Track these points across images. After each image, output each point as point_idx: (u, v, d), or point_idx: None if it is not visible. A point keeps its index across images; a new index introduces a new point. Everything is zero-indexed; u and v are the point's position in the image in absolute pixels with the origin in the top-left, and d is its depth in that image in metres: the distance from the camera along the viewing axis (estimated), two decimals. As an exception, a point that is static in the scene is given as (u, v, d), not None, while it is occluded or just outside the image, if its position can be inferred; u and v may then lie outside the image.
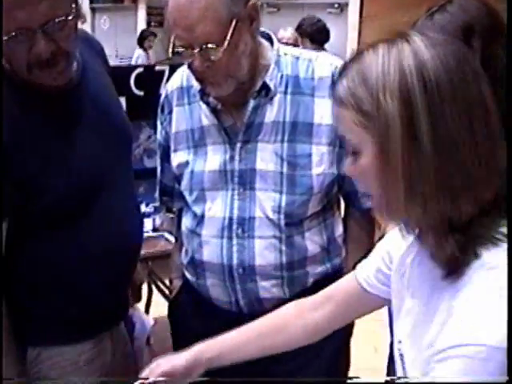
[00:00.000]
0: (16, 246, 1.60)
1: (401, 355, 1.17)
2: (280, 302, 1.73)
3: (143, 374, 1.43)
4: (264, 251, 1.75)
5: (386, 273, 1.31)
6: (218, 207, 1.78)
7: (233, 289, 1.79)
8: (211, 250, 1.79)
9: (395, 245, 1.27)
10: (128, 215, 1.79)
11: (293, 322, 1.46)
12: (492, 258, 1.03)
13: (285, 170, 1.72)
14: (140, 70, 3.54)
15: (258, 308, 1.79)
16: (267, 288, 1.78)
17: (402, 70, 1.01)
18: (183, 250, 1.93)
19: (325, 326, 1.44)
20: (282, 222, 1.74)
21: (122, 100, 1.94)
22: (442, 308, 1.05)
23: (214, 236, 1.78)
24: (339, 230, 1.88)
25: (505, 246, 1.03)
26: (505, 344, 0.95)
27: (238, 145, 1.75)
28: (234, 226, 1.76)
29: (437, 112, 1.00)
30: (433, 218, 1.04)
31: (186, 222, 1.87)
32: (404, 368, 1.14)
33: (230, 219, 1.76)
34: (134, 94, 3.41)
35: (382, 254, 1.33)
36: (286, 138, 1.73)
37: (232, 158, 1.76)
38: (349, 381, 1.04)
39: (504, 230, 1.04)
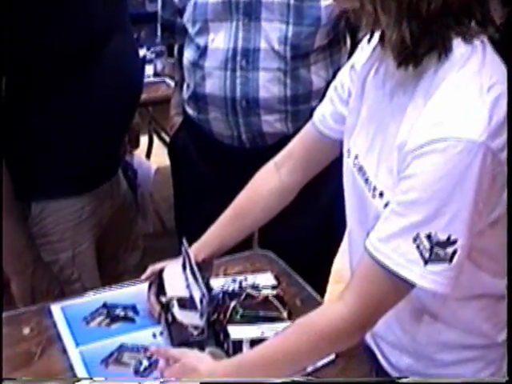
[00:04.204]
0: (19, 101, 1.56)
1: (360, 168, 1.16)
2: (283, 138, 1.72)
3: (144, 276, 1.47)
4: (268, 84, 1.72)
5: (340, 109, 1.29)
6: (221, 38, 1.72)
7: (235, 122, 1.77)
8: (214, 83, 1.75)
9: (346, 73, 1.27)
10: (130, 61, 1.74)
11: (262, 191, 1.43)
12: (463, 56, 1.00)
13: (292, 0, 1.66)
14: None
15: (261, 143, 1.79)
16: (270, 122, 1.76)
17: None
18: (185, 85, 1.89)
19: (291, 183, 1.42)
20: (288, 54, 1.70)
21: None
22: (413, 106, 1.03)
23: (217, 68, 1.74)
24: (345, 65, 1.84)
25: (478, 45, 1.00)
26: (483, 138, 0.94)
27: None
28: (238, 58, 1.71)
29: None
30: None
31: (188, 54, 1.82)
32: (366, 179, 1.14)
33: (234, 50, 1.71)
34: None
35: (335, 89, 1.31)
36: None
37: None
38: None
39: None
